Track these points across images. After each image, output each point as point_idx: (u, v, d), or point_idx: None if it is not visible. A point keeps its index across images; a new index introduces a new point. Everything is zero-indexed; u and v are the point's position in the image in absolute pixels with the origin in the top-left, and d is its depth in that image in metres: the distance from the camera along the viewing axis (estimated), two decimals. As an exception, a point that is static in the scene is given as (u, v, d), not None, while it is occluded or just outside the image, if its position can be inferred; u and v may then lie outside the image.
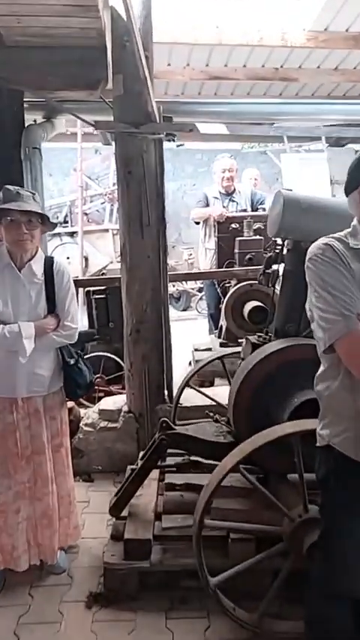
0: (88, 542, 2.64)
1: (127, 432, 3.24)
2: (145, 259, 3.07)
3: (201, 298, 7.52)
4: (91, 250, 7.27)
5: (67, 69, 3.08)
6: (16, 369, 2.27)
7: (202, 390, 3.21)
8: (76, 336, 2.41)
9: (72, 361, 2.37)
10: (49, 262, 2.35)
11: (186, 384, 2.79)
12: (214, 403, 2.91)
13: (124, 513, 2.42)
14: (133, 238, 3.06)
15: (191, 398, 3.09)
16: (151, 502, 2.44)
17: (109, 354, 4.03)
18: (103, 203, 8.47)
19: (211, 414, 2.35)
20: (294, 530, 1.82)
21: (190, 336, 5.54)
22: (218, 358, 2.80)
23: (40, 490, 2.38)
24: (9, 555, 2.40)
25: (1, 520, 2.38)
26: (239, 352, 2.70)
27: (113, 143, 3.11)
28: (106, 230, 7.48)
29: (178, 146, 7.48)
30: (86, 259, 7.16)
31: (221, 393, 3.02)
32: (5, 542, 2.39)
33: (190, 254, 8.44)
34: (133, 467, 2.42)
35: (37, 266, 2.31)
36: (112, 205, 8.19)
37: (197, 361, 4.09)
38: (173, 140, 3.09)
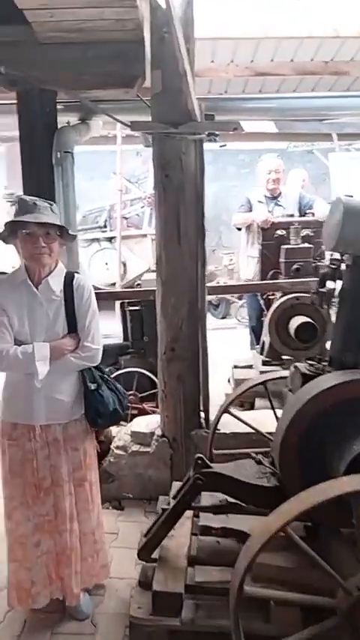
0: (114, 583, 2.42)
1: (161, 458, 3.00)
2: (182, 271, 2.81)
3: (242, 306, 7.17)
4: (129, 256, 7.09)
5: (102, 66, 2.89)
6: (34, 393, 2.08)
7: (242, 413, 2.92)
8: (99, 358, 2.17)
9: (93, 386, 2.14)
10: (69, 278, 2.14)
11: (224, 410, 2.51)
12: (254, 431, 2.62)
13: (155, 555, 2.17)
14: (170, 248, 2.81)
15: (229, 424, 2.80)
16: (184, 546, 2.17)
17: (142, 371, 3.80)
18: (143, 207, 8.28)
19: (253, 456, 2.06)
20: (352, 605, 1.52)
21: (230, 346, 5.23)
22: (261, 383, 2.51)
23: (60, 525, 2.18)
24: (26, 593, 2.21)
25: (20, 552, 2.21)
26: (284, 377, 2.42)
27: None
28: (145, 235, 7.29)
29: (220, 146, 7.13)
30: (124, 265, 6.99)
31: (262, 418, 2.73)
32: (23, 577, 2.21)
33: (231, 259, 8.10)
34: (166, 506, 2.16)
35: (55, 282, 2.11)
36: (151, 210, 7.99)
37: (237, 380, 3.80)
38: (215, 140, 2.82)
